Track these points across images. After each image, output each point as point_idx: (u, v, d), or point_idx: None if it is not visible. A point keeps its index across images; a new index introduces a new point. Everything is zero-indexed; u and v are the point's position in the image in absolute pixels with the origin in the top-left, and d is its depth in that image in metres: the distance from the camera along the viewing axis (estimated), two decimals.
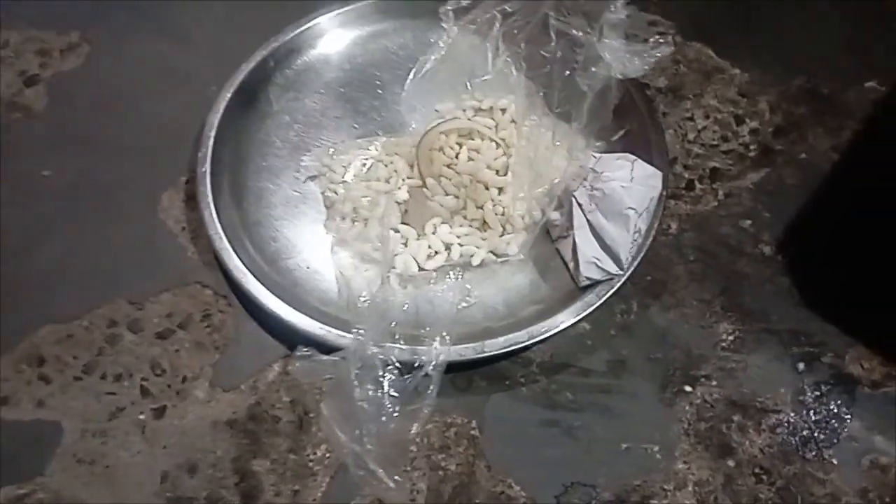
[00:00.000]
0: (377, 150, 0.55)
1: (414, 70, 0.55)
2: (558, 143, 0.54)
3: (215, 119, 0.55)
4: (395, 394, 0.39)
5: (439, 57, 0.57)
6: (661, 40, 0.49)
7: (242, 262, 0.49)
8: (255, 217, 0.53)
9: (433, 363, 0.41)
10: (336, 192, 0.53)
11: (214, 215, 0.50)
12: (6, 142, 0.56)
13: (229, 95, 0.56)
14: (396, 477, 0.38)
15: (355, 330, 0.41)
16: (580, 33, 0.50)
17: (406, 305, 0.49)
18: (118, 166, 0.56)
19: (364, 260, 0.51)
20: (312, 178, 0.55)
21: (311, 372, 0.40)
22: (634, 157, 0.49)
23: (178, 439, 0.45)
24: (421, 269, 0.50)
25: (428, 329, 0.44)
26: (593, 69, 0.50)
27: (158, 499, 0.43)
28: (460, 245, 0.50)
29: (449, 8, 0.51)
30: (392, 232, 0.51)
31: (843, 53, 0.62)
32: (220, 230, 0.50)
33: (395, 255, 0.50)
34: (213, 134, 0.54)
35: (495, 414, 0.47)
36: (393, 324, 0.45)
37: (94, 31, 0.63)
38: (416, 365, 0.41)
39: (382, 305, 0.44)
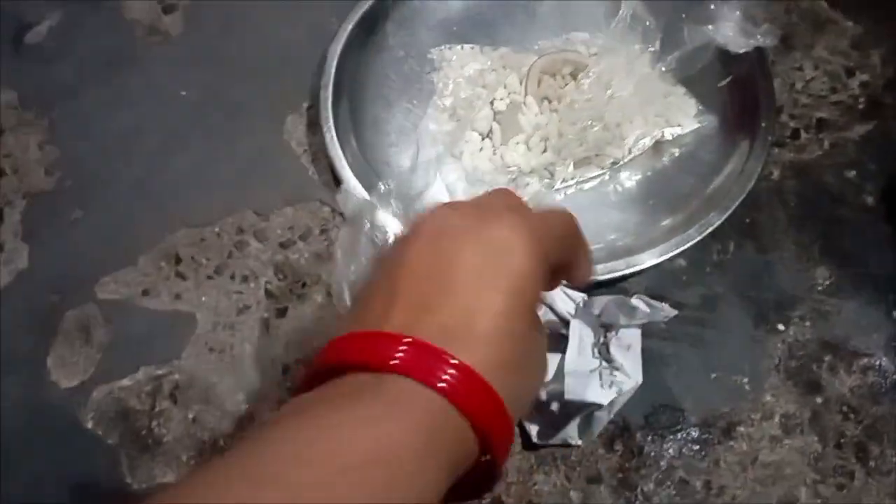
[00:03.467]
0: (495, 60, 0.58)
1: None
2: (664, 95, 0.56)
3: (337, 49, 0.58)
4: None
5: None
6: (769, 31, 0.51)
7: (360, 183, 0.52)
8: (371, 142, 0.56)
9: None
10: (446, 86, 0.57)
11: (335, 139, 0.54)
12: (148, 62, 0.61)
13: (350, 28, 0.59)
14: None
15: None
16: None
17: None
18: (246, 89, 0.60)
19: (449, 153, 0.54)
20: (435, 70, 0.59)
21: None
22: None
23: (298, 337, 0.50)
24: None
25: None
26: (702, 27, 0.51)
27: (279, 389, 0.48)
28: (528, 167, 0.53)
29: None
30: (476, 134, 0.55)
31: None
32: (340, 153, 0.53)
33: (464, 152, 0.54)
34: (334, 63, 0.57)
35: None
36: None
37: None
38: None
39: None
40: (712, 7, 0.49)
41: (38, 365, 0.49)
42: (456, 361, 0.23)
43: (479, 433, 0.24)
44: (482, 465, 0.25)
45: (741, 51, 0.50)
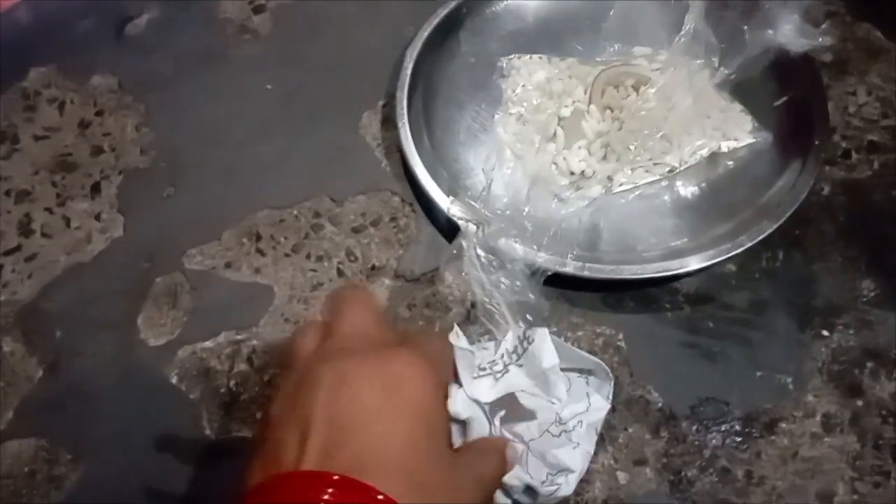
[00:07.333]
0: (562, 70, 0.62)
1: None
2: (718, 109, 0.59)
3: (413, 52, 0.62)
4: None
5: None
6: (828, 31, 0.53)
7: (428, 173, 0.56)
8: (441, 140, 0.60)
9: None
10: (515, 92, 0.61)
11: (409, 134, 0.58)
12: (237, 58, 0.66)
13: (426, 34, 0.63)
14: None
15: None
16: None
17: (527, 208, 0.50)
18: (327, 86, 0.64)
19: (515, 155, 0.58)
20: (503, 77, 0.63)
21: None
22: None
23: None
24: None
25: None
26: (763, 31, 0.54)
27: None
28: (589, 172, 0.57)
29: None
30: (542, 137, 0.58)
31: None
32: (412, 145, 0.57)
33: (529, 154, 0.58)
34: (411, 65, 0.62)
35: (640, 330, 0.52)
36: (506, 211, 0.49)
37: None
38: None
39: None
40: (772, 12, 0.52)
41: (130, 324, 0.53)
42: (381, 496, 0.26)
43: None
44: None
45: (802, 50, 0.52)
